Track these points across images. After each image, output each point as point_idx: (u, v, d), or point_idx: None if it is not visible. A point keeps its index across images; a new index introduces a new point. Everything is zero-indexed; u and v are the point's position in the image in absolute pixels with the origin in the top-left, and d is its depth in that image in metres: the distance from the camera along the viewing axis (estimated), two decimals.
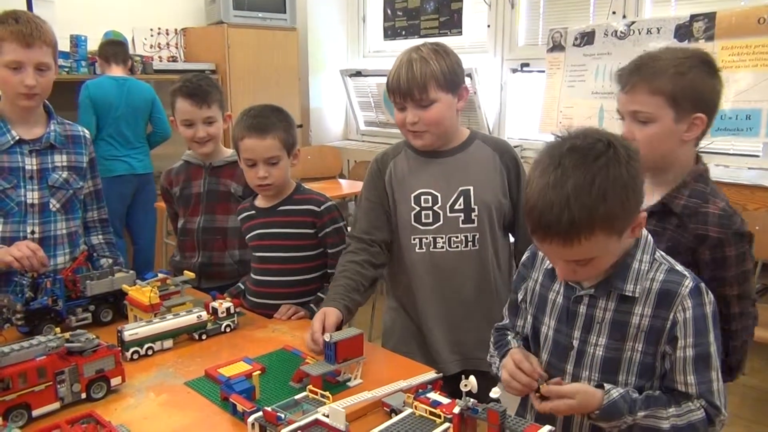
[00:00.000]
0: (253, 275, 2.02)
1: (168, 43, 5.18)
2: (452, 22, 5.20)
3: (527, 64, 4.74)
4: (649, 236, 1.26)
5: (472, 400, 1.05)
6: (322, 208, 1.95)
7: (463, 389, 1.04)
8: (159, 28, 5.14)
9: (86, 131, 2.11)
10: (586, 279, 1.23)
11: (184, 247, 2.27)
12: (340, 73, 5.81)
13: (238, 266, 2.20)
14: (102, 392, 1.38)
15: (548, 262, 1.34)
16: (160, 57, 5.09)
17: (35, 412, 1.28)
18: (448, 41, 5.11)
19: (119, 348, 1.48)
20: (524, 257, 1.45)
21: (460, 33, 5.16)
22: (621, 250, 1.21)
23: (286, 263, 1.95)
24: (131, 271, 1.84)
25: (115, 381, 1.40)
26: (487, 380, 1.29)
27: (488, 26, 4.92)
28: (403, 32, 5.57)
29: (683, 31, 3.81)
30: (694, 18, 3.76)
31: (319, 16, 5.81)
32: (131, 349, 1.57)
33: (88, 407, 1.33)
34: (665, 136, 1.40)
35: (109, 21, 4.82)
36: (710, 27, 3.70)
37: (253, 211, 2.02)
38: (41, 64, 1.85)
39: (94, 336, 1.40)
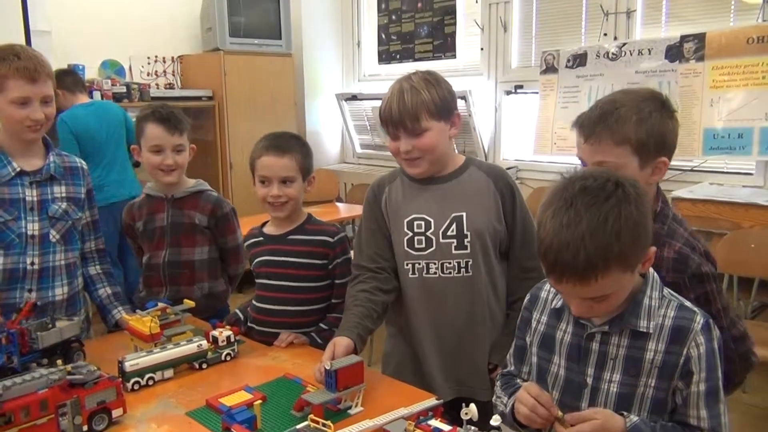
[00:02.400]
0: (255, 302, 2.02)
1: (165, 71, 5.24)
2: (446, 46, 5.27)
3: (521, 86, 4.79)
4: (656, 274, 1.28)
5: (472, 428, 1.06)
6: (336, 239, 1.95)
7: (464, 417, 1.05)
8: (156, 56, 5.20)
9: (83, 162, 2.10)
10: (601, 315, 1.24)
11: (150, 282, 2.22)
12: (335, 97, 5.87)
13: (206, 299, 2.18)
14: (103, 424, 1.38)
15: (554, 302, 1.35)
16: (157, 84, 5.14)
17: None
18: (442, 64, 5.23)
19: (120, 379, 1.49)
20: (525, 300, 1.44)
21: (454, 56, 5.22)
22: (632, 286, 1.23)
23: (290, 292, 1.94)
24: (75, 318, 1.75)
25: (116, 412, 1.41)
26: (482, 408, 1.29)
27: (482, 49, 4.99)
28: (398, 56, 5.64)
29: (674, 51, 3.87)
30: (684, 39, 3.82)
31: (314, 42, 5.88)
32: (132, 380, 1.57)
33: None
34: None
35: (105, 49, 4.89)
36: (700, 47, 3.76)
37: (261, 238, 2.01)
38: (46, 96, 1.87)
39: (96, 367, 1.41)
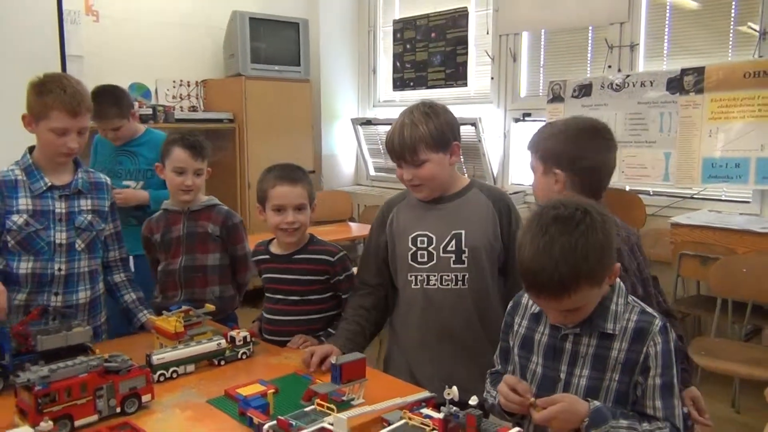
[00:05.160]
0: (265, 314, 2.21)
1: (189, 94, 5.49)
2: (458, 74, 5.48)
3: (529, 114, 4.99)
4: (622, 284, 1.45)
5: (454, 407, 1.22)
6: (336, 258, 2.14)
7: (446, 397, 1.21)
8: (181, 80, 5.45)
9: (108, 179, 2.28)
10: (574, 322, 1.41)
11: (166, 287, 2.41)
12: (351, 122, 6.09)
13: (218, 302, 2.34)
14: (134, 407, 1.56)
15: (533, 308, 1.52)
16: (181, 107, 5.38)
17: (77, 423, 1.46)
18: (454, 92, 5.44)
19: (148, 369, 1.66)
20: (509, 307, 1.62)
21: (465, 84, 5.43)
22: (601, 295, 1.40)
23: (297, 305, 2.13)
24: (87, 327, 1.80)
25: (145, 398, 1.58)
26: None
27: (492, 78, 5.19)
28: (412, 83, 5.85)
29: (675, 83, 4.04)
30: (684, 72, 4.00)
31: (331, 69, 6.12)
32: (158, 372, 1.74)
33: (122, 420, 1.50)
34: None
35: (133, 73, 5.15)
36: (700, 80, 3.93)
37: (268, 256, 2.20)
38: (82, 129, 2.06)
39: (129, 358, 1.59)
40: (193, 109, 5.47)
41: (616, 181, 4.38)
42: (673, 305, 3.62)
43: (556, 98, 4.64)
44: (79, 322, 1.85)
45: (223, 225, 2.38)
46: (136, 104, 4.91)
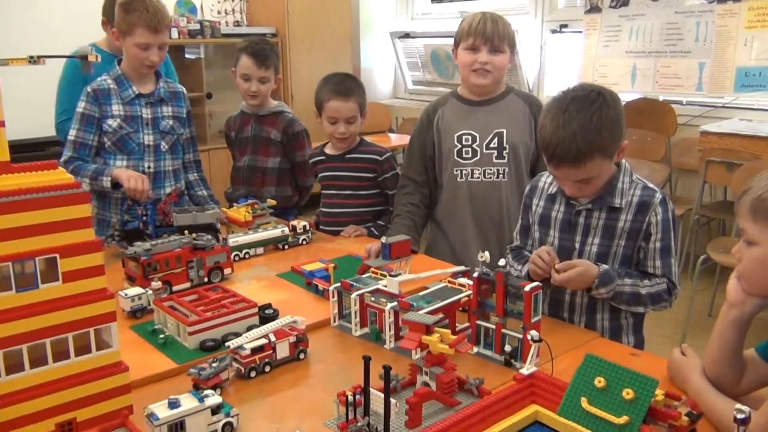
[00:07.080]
0: (322, 208, 2.50)
1: (233, 9, 5.64)
2: None
3: (566, 26, 5.04)
4: (627, 164, 1.67)
5: (486, 269, 1.48)
6: (383, 158, 2.42)
7: (480, 259, 1.47)
8: None
9: (184, 88, 2.57)
10: (587, 195, 1.65)
11: (234, 181, 2.75)
12: (389, 35, 6.19)
13: (274, 200, 2.56)
14: (218, 278, 1.87)
15: (549, 189, 1.75)
16: (226, 22, 5.55)
17: (174, 288, 1.78)
18: (493, 4, 5.47)
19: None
20: (526, 190, 1.86)
21: None
22: (610, 173, 1.62)
23: (349, 199, 2.43)
24: (215, 210, 2.16)
25: (227, 271, 1.90)
26: None
27: None
28: None
29: None
30: None
31: None
32: (233, 253, 2.05)
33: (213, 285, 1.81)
34: None
35: None
36: None
37: (323, 157, 2.48)
38: (162, 44, 2.35)
39: (211, 238, 1.89)
40: (237, 24, 5.64)
41: (649, 90, 4.49)
42: (699, 210, 3.84)
43: (593, 9, 4.69)
44: (212, 205, 2.31)
45: (285, 132, 2.64)
46: (185, 19, 5.12)
